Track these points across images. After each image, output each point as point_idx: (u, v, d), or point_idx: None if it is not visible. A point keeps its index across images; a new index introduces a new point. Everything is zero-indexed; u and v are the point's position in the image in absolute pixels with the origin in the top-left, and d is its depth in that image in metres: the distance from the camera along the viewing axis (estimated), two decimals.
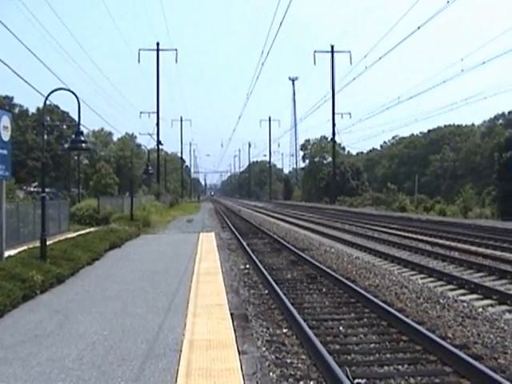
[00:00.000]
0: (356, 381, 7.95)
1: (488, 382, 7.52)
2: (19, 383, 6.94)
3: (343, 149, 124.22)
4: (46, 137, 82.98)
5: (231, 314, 10.71)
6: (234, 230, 35.54)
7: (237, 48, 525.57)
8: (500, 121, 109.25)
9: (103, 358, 7.95)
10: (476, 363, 8.11)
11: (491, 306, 13.38)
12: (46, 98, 17.40)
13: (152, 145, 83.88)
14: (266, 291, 15.15)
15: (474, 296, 14.44)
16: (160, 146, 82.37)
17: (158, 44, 77.66)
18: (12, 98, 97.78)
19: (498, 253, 22.57)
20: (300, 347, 9.80)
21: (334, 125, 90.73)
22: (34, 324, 10.23)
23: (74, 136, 18.38)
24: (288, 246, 25.23)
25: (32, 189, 76.79)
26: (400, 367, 8.73)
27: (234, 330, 9.47)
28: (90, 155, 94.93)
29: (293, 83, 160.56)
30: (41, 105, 21.23)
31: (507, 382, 7.31)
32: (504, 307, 13.13)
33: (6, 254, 15.56)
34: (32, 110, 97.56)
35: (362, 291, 13.99)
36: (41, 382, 6.98)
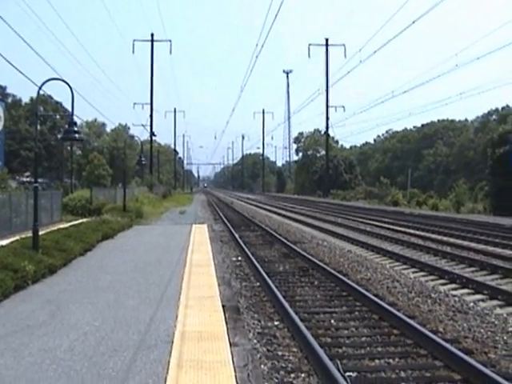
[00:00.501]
0: (347, 374, 7.96)
1: (478, 376, 7.55)
2: (10, 373, 6.94)
3: (337, 142, 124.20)
4: (39, 127, 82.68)
5: (223, 306, 10.71)
6: (226, 222, 35.57)
7: (231, 40, 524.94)
8: (493, 116, 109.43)
9: (95, 349, 7.95)
10: (466, 357, 8.15)
11: (482, 300, 13.42)
12: (40, 88, 17.36)
13: (145, 136, 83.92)
14: (258, 284, 15.18)
15: (466, 290, 14.49)
16: (153, 138, 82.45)
17: (152, 35, 77.54)
18: (5, 87, 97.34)
19: (489, 248, 22.65)
20: (291, 340, 9.82)
21: (327, 118, 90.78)
22: (25, 314, 10.22)
23: (67, 126, 18.36)
24: (280, 238, 25.26)
25: (25, 179, 76.45)
26: (391, 361, 8.76)
27: (226, 322, 9.48)
28: (83, 146, 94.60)
29: (287, 76, 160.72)
30: (34, 95, 21.15)
31: (497, 376, 7.35)
32: (495, 302, 13.19)
33: None
34: (25, 99, 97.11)
35: (354, 285, 14.03)
36: (32, 372, 6.98)
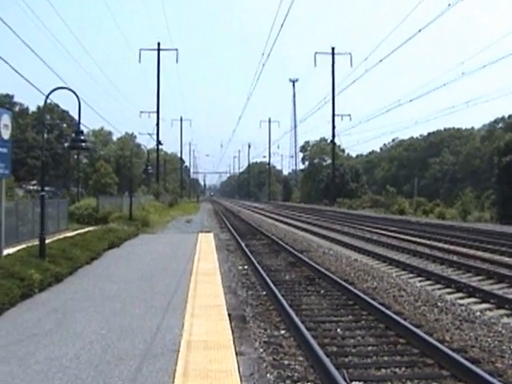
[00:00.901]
0: (353, 383, 7.95)
1: None
2: (17, 382, 6.94)
3: (343, 151, 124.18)
4: (46, 135, 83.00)
5: (229, 315, 10.71)
6: (232, 230, 35.55)
7: (237, 49, 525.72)
8: (500, 124, 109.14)
9: (101, 358, 7.95)
10: (473, 367, 8.12)
11: (489, 309, 13.39)
12: (47, 97, 17.42)
13: (152, 145, 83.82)
14: (264, 292, 15.16)
15: (472, 300, 14.46)
16: (160, 146, 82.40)
17: (158, 44, 77.70)
18: (12, 96, 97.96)
19: (496, 257, 22.60)
20: (297, 349, 9.80)
21: (333, 127, 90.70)
22: (31, 322, 10.23)
23: (73, 135, 18.41)
24: (286, 247, 25.23)
25: (31, 187, 76.70)
26: (397, 370, 8.73)
27: (232, 331, 9.47)
28: (89, 154, 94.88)
29: (293, 85, 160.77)
30: (41, 103, 21.19)
31: None
32: (502, 311, 13.15)
33: (5, 252, 15.58)
34: (32, 108, 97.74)
35: (360, 293, 13.99)
36: (38, 380, 6.98)
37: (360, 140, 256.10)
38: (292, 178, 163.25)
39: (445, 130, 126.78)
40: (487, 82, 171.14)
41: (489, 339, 10.63)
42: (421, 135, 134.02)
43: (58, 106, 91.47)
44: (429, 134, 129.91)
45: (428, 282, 17.08)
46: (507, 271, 18.33)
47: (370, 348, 9.98)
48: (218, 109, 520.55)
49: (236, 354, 8.17)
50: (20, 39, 25.15)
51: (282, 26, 33.42)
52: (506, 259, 21.72)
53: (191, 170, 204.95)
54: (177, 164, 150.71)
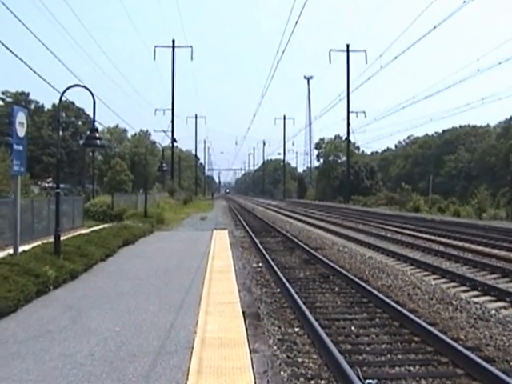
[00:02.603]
0: (367, 381, 7.94)
1: None
2: (31, 377, 6.98)
3: (358, 148, 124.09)
4: (61, 133, 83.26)
5: (243, 313, 10.71)
6: (247, 228, 35.57)
7: (252, 46, 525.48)
8: None
9: (115, 354, 7.98)
10: (488, 366, 8.08)
11: (504, 308, 13.32)
12: (62, 95, 17.48)
13: (166, 142, 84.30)
14: (279, 290, 15.16)
15: (487, 298, 14.38)
16: (174, 143, 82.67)
17: (173, 41, 78.03)
18: (28, 94, 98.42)
19: None
20: (311, 346, 9.80)
21: (348, 124, 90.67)
22: (46, 319, 10.28)
23: (88, 132, 18.47)
24: (301, 244, 25.22)
25: (47, 184, 77.09)
26: (411, 368, 8.71)
27: (246, 329, 9.47)
28: (104, 152, 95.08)
29: (308, 82, 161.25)
30: (56, 101, 21.28)
31: None
32: None
33: (20, 249, 15.60)
34: (48, 106, 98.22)
35: (375, 291, 13.97)
36: (53, 377, 7.02)
37: (375, 137, 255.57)
38: (307, 176, 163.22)
39: (460, 127, 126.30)
40: (503, 79, 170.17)
41: (504, 338, 10.57)
42: (436, 132, 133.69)
43: (73, 103, 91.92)
44: (444, 131, 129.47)
45: (443, 280, 17.01)
46: None
47: (384, 346, 9.96)
48: (233, 106, 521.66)
49: (250, 351, 8.17)
50: (35, 37, 25.32)
51: (296, 23, 33.39)
52: None
53: (206, 168, 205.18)
54: (191, 161, 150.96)
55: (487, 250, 24.25)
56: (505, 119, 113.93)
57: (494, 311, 12.81)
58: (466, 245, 26.18)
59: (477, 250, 24.05)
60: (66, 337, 8.96)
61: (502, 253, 23.04)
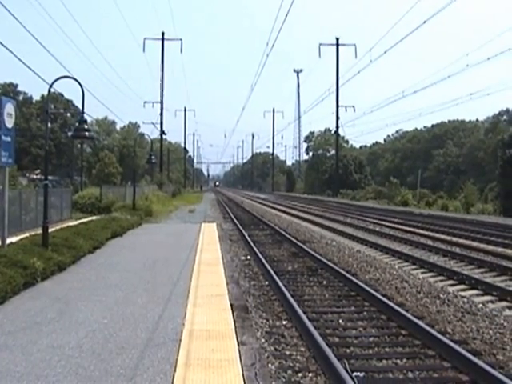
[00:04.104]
0: (354, 374, 7.96)
1: (486, 378, 7.53)
2: (19, 369, 6.96)
3: (347, 142, 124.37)
4: (49, 125, 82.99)
5: (231, 305, 10.72)
6: (235, 220, 35.57)
7: (242, 39, 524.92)
8: (504, 117, 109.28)
9: (103, 346, 7.97)
10: (474, 359, 8.13)
11: (491, 302, 13.39)
12: (51, 86, 17.40)
13: (155, 134, 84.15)
14: (267, 283, 15.19)
15: (475, 292, 14.46)
16: (163, 136, 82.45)
17: (163, 33, 77.64)
18: (16, 85, 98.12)
19: (499, 249, 22.56)
20: (299, 339, 9.83)
21: (337, 118, 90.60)
22: (34, 311, 10.25)
23: (77, 124, 18.38)
24: (289, 237, 25.25)
25: (35, 176, 76.81)
26: (399, 361, 8.75)
27: (234, 321, 9.48)
28: (93, 144, 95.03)
29: (297, 75, 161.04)
30: (45, 92, 21.20)
31: (505, 377, 7.33)
32: (504, 303, 13.15)
33: (8, 240, 15.54)
34: (36, 97, 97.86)
35: (363, 285, 14.01)
36: (41, 368, 7.00)
37: (364, 131, 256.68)
38: (295, 169, 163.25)
39: (449, 121, 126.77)
40: (492, 75, 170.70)
41: (490, 331, 10.63)
42: (425, 127, 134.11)
43: (62, 95, 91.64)
44: (433, 125, 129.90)
45: (430, 274, 17.07)
46: (510, 264, 18.29)
47: (371, 339, 10.00)
48: (222, 99, 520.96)
49: (238, 343, 8.18)
50: (24, 28, 25.11)
51: (286, 16, 33.24)
52: (509, 252, 21.69)
53: (195, 160, 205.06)
54: (180, 154, 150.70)
55: (475, 244, 24.36)
56: (493, 114, 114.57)
57: (481, 305, 12.88)
58: (454, 239, 26.28)
59: (464, 244, 24.16)
60: (54, 329, 8.95)
61: (490, 247, 23.15)
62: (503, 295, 13.65)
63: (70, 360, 7.34)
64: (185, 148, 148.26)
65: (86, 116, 18.01)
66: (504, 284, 15.19)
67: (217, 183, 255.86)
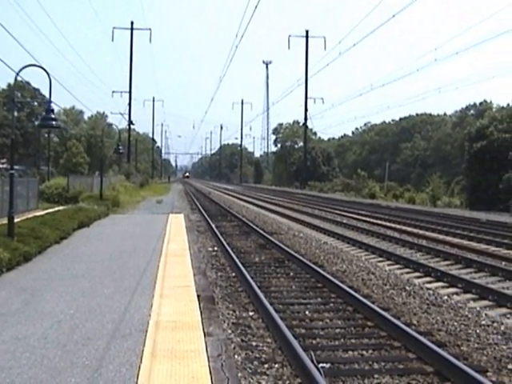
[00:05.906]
0: (320, 365, 7.98)
1: (451, 369, 7.61)
2: None
3: (315, 134, 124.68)
4: (16, 113, 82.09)
5: (198, 296, 10.70)
6: (203, 212, 35.50)
7: (211, 30, 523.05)
8: (471, 111, 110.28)
9: (68, 337, 7.92)
10: (439, 350, 8.20)
11: (456, 294, 13.53)
12: (17, 74, 17.21)
13: (123, 124, 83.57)
14: (234, 274, 15.20)
15: (440, 284, 14.59)
16: (131, 126, 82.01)
17: (132, 23, 77.10)
18: None
19: (465, 242, 22.81)
20: (266, 330, 9.85)
21: (306, 110, 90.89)
22: None
23: (44, 113, 18.22)
24: (257, 229, 25.28)
25: (0, 165, 75.94)
26: (364, 352, 8.81)
27: (201, 312, 9.46)
28: (60, 133, 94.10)
29: (267, 67, 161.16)
30: (11, 81, 20.96)
31: (469, 368, 7.41)
32: (469, 295, 13.29)
33: None
34: (2, 85, 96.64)
35: (329, 276, 14.06)
36: (5, 360, 6.93)
37: (332, 123, 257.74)
38: (264, 161, 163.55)
39: (417, 115, 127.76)
40: (459, 69, 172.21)
41: (455, 323, 10.74)
42: (393, 120, 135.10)
43: (29, 83, 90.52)
44: (401, 119, 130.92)
45: (397, 266, 17.20)
46: (475, 256, 18.50)
47: (337, 330, 10.05)
48: (191, 90, 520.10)
49: (204, 334, 8.17)
50: None
51: (255, 7, 33.27)
52: (474, 244, 21.94)
53: (163, 151, 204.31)
54: (148, 144, 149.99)
55: (441, 236, 24.59)
56: (461, 108, 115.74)
57: (446, 297, 13.00)
58: (421, 231, 26.51)
59: (431, 236, 24.37)
60: (19, 319, 8.86)
61: (456, 240, 23.37)
62: (468, 287, 13.79)
63: (35, 351, 7.28)
64: (153, 138, 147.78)
65: (53, 105, 17.87)
66: (469, 276, 15.35)
67: (186, 174, 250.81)
